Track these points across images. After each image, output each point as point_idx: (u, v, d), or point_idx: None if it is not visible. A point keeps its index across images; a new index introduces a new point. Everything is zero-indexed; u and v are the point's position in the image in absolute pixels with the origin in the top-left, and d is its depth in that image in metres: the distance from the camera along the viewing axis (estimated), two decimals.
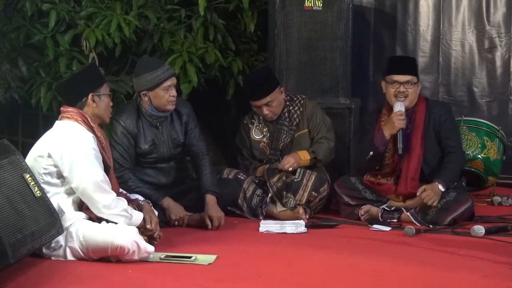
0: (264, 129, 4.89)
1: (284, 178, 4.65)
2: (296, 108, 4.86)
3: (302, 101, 4.88)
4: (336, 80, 5.35)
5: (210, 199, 4.41)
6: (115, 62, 5.53)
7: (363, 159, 4.63)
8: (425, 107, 4.62)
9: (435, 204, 4.39)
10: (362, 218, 4.59)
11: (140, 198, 4.07)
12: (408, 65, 4.69)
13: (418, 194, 4.43)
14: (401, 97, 4.53)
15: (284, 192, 4.60)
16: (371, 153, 4.57)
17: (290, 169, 4.68)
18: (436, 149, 4.59)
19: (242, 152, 4.96)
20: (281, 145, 4.82)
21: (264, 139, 4.89)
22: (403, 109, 4.51)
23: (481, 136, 5.16)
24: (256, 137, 4.91)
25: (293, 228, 4.32)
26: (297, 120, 4.85)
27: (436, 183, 4.44)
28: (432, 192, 4.41)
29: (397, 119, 4.48)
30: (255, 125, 4.92)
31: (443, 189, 4.43)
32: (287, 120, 4.83)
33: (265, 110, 4.75)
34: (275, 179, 4.66)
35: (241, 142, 4.96)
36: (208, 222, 4.33)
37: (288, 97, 4.89)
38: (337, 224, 4.49)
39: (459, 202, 4.43)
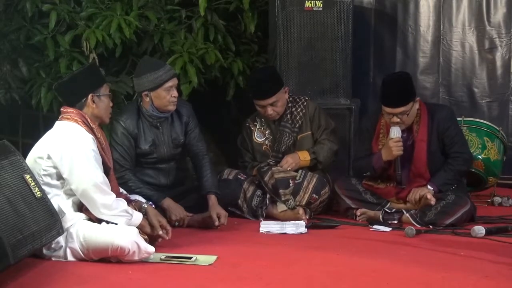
0: (267, 132, 4.86)
1: (274, 175, 4.62)
2: (298, 109, 4.83)
3: (305, 103, 4.85)
4: (336, 80, 5.35)
5: (213, 199, 4.41)
6: (115, 63, 5.53)
7: (361, 174, 4.62)
8: (427, 118, 4.45)
9: (426, 195, 4.36)
10: (358, 219, 4.58)
11: (141, 199, 4.07)
12: (400, 97, 4.35)
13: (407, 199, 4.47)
14: (395, 125, 4.41)
15: (281, 190, 4.58)
16: (368, 173, 4.56)
17: (289, 169, 4.67)
18: (440, 157, 4.51)
19: (243, 156, 4.93)
20: (283, 147, 4.79)
21: (267, 142, 4.85)
22: (399, 135, 4.39)
23: (482, 136, 5.16)
24: (259, 140, 4.88)
25: (293, 228, 4.32)
26: (299, 122, 4.82)
27: (427, 185, 4.44)
28: (418, 191, 4.42)
29: (395, 146, 4.36)
30: (257, 127, 4.89)
31: (431, 189, 4.42)
32: (289, 122, 4.80)
33: (270, 110, 4.71)
34: (267, 177, 4.65)
35: (243, 145, 4.93)
36: (216, 218, 4.31)
37: (291, 98, 4.85)
38: (337, 224, 4.48)
39: (458, 205, 4.39)
